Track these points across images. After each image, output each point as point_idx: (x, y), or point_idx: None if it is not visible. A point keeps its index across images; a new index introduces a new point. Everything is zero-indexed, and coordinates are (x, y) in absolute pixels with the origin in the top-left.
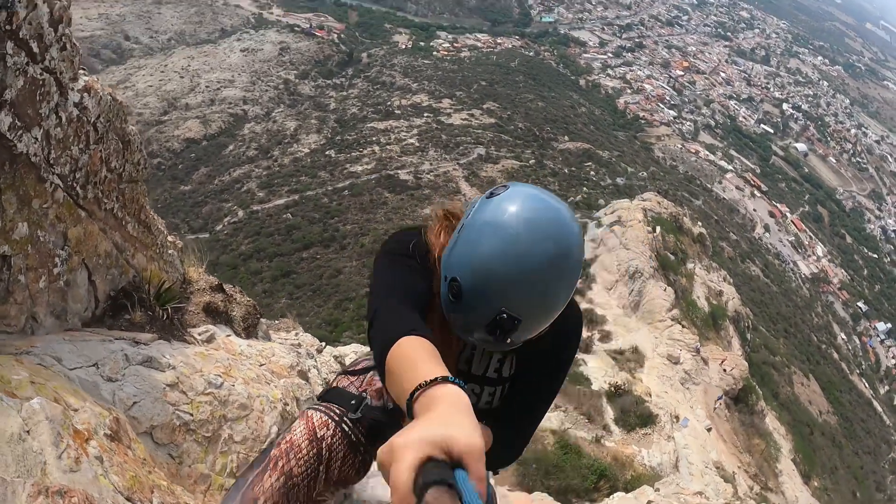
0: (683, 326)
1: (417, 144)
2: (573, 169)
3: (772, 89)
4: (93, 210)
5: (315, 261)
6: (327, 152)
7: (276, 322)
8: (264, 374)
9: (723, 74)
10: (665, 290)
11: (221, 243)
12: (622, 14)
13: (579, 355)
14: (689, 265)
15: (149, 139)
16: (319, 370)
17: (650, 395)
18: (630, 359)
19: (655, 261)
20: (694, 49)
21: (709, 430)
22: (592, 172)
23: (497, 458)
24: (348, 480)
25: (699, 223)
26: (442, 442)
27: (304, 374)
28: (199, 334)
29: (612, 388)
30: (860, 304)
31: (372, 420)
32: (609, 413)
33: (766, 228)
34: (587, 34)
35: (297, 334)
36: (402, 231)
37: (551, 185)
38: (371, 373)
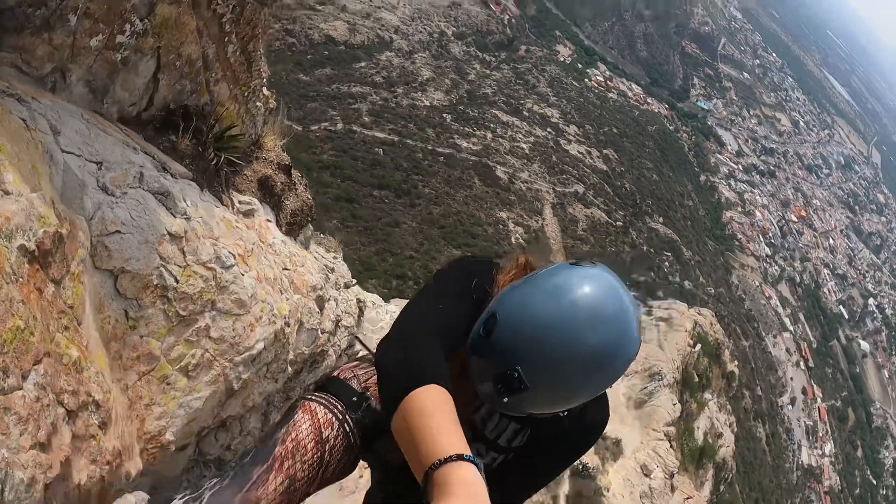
0: (671, 447)
1: (527, 152)
2: (651, 251)
3: (867, 279)
4: (199, 2)
5: (382, 204)
6: (444, 115)
7: (321, 235)
8: (282, 280)
9: (831, 241)
10: (675, 404)
11: (309, 143)
12: (771, 136)
13: None
14: (707, 395)
15: (296, 17)
16: (338, 305)
17: (608, 492)
18: (609, 448)
19: (680, 374)
20: (818, 203)
21: None
22: (667, 263)
23: None
24: (330, 482)
25: (736, 363)
26: None
27: (321, 301)
28: (240, 203)
29: (581, 466)
30: None
31: (369, 423)
32: (565, 487)
33: (793, 402)
34: (730, 137)
35: (335, 257)
36: (479, 260)
37: (624, 255)
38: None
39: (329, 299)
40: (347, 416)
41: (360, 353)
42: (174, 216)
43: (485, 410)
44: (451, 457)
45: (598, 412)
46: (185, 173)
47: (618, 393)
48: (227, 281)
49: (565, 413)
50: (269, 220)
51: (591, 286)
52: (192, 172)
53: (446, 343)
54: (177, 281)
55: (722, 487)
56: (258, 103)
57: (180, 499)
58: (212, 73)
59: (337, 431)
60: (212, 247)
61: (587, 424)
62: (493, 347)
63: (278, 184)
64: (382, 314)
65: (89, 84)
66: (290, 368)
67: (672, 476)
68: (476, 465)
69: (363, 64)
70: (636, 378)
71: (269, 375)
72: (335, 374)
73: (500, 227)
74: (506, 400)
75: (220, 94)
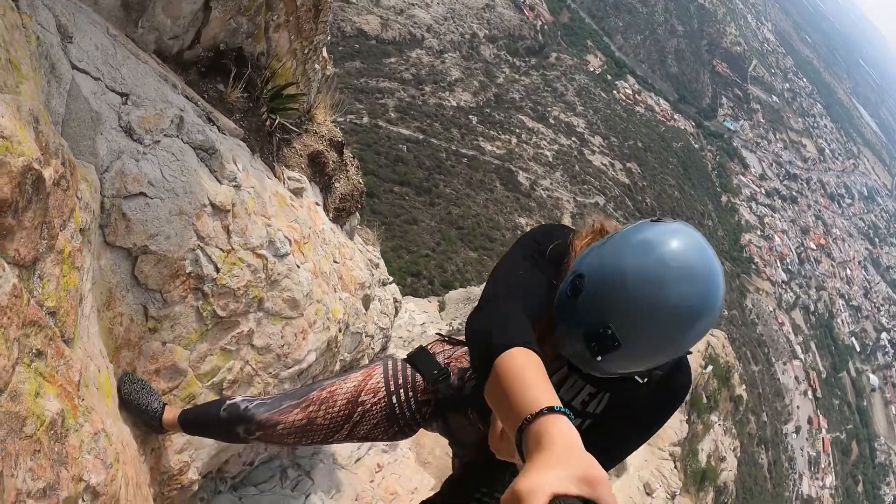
0: (676, 467)
1: (550, 160)
2: None
3: (882, 313)
4: None
5: (402, 200)
6: (470, 116)
7: (360, 227)
8: (333, 275)
9: (848, 272)
10: (682, 423)
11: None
12: (796, 162)
13: None
14: (713, 417)
15: (330, 6)
16: (380, 304)
17: None
18: None
19: (690, 394)
20: (838, 233)
21: None
22: None
23: None
24: (375, 440)
25: (745, 386)
26: (574, 478)
27: (367, 301)
28: (289, 178)
29: None
30: None
31: (442, 399)
32: None
33: (797, 430)
34: (755, 160)
35: (375, 252)
36: (551, 225)
37: None
38: (463, 349)
39: (374, 298)
40: (402, 391)
41: (462, 337)
42: (220, 182)
43: (560, 373)
44: (542, 410)
45: (681, 377)
46: (236, 130)
47: None
48: (279, 274)
49: (645, 379)
50: (317, 203)
51: (679, 241)
52: (244, 131)
53: (529, 307)
54: (217, 269)
55: None
56: (316, 65)
57: (240, 399)
58: (273, 15)
59: (379, 399)
60: (265, 227)
61: (670, 389)
62: (582, 307)
63: (330, 162)
64: (402, 312)
65: None
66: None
67: (674, 497)
68: (568, 415)
69: (393, 60)
70: None
71: None
72: (428, 346)
73: (518, 232)
74: (599, 359)
75: (280, 44)
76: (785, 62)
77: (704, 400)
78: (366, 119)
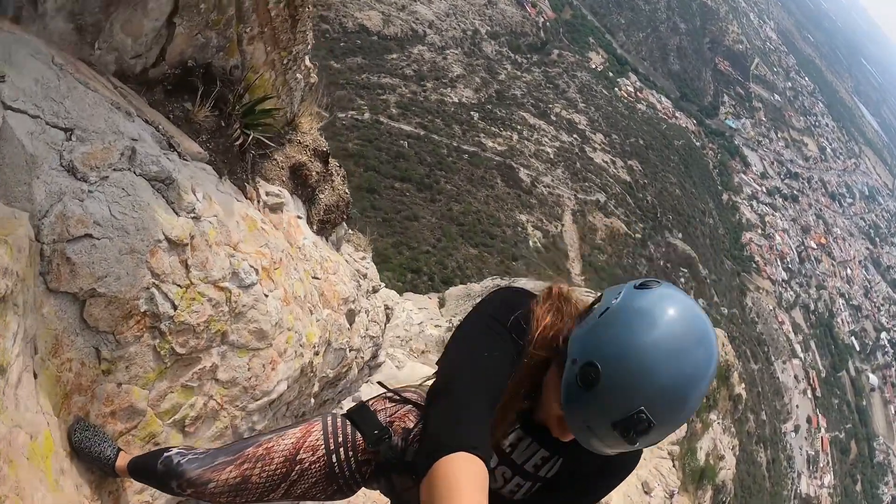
0: (674, 466)
1: (551, 156)
2: (668, 266)
3: (882, 313)
4: None
5: (402, 196)
6: (472, 112)
7: (350, 232)
8: (312, 294)
9: (849, 271)
10: None
11: (335, 131)
12: (797, 161)
13: None
14: (712, 416)
15: (331, 4)
16: (367, 315)
17: None
18: None
19: None
20: (839, 232)
21: None
22: (682, 280)
23: None
24: (313, 499)
25: (744, 385)
26: None
27: (351, 315)
28: (267, 194)
29: None
30: None
31: (384, 460)
32: None
33: (796, 429)
34: (756, 158)
35: (363, 258)
36: (508, 292)
37: (641, 268)
38: (408, 407)
39: (360, 311)
40: (341, 450)
41: (406, 394)
42: (177, 214)
43: (514, 436)
44: None
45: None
46: (200, 154)
47: None
48: (245, 305)
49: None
50: (299, 217)
51: (676, 307)
52: (210, 153)
53: (494, 394)
54: (175, 307)
55: None
56: (298, 75)
57: (177, 451)
58: (246, 28)
59: (318, 458)
60: (227, 258)
61: (623, 459)
62: (603, 394)
63: (313, 173)
64: (399, 311)
65: (74, 18)
66: (312, 401)
67: (672, 496)
68: None
69: (395, 56)
70: None
71: (289, 414)
72: (369, 402)
73: (519, 229)
74: (638, 444)
75: (255, 56)
76: (787, 61)
77: (704, 399)
78: (367, 115)
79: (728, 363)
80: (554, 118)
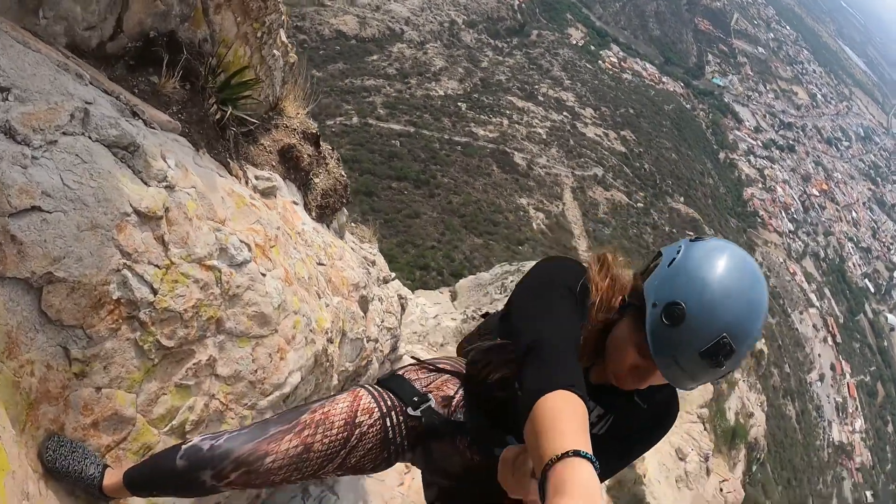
0: (705, 428)
1: (544, 137)
2: (674, 231)
3: (892, 252)
4: None
5: (400, 195)
6: (459, 103)
7: (353, 224)
8: (319, 278)
9: (854, 214)
10: (706, 385)
11: (325, 138)
12: (789, 111)
13: None
14: (736, 375)
15: (305, 14)
16: (381, 304)
17: (645, 477)
18: None
19: None
20: (839, 176)
21: None
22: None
23: None
24: (361, 470)
25: (764, 340)
26: None
27: (364, 303)
28: (257, 178)
29: None
30: (868, 493)
31: (428, 426)
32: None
33: (821, 378)
34: (747, 113)
35: (372, 249)
36: (566, 261)
37: (647, 236)
38: (445, 376)
39: (373, 299)
40: (393, 414)
41: (441, 365)
42: (146, 183)
43: None
44: (567, 452)
45: (676, 404)
46: (170, 123)
47: None
48: (239, 286)
49: (646, 405)
50: (295, 203)
51: (730, 251)
52: (183, 124)
53: (576, 348)
54: (154, 292)
55: (755, 467)
56: (275, 51)
57: (200, 438)
58: None
59: (374, 421)
60: (212, 233)
61: (670, 414)
62: (689, 328)
63: (305, 156)
64: (413, 307)
65: None
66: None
67: (707, 459)
68: (593, 463)
69: (375, 57)
70: None
71: None
72: (400, 372)
73: (521, 213)
74: (724, 367)
75: (225, 27)
76: (766, 12)
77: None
78: (355, 119)
79: None
80: (542, 98)
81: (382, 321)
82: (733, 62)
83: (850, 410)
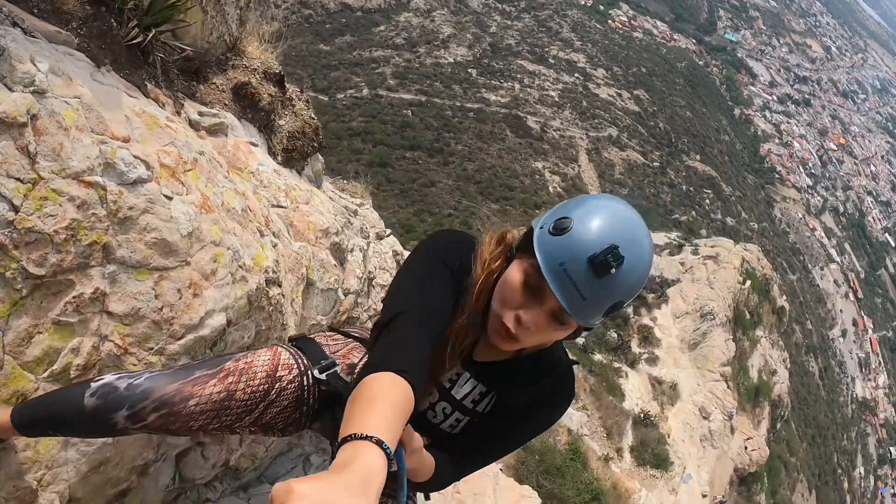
0: (728, 387)
1: (556, 100)
2: (691, 189)
3: None
4: None
5: (415, 164)
6: (469, 70)
7: (341, 179)
8: (273, 218)
9: (872, 168)
10: (727, 342)
11: (337, 112)
12: (804, 65)
13: (623, 367)
14: (759, 332)
15: None
16: (367, 259)
17: (669, 437)
18: (666, 392)
19: (732, 312)
20: (856, 130)
21: (704, 496)
22: (707, 201)
23: (429, 484)
24: (271, 430)
25: (785, 297)
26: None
27: (339, 251)
28: (200, 114)
29: (643, 415)
30: (893, 448)
31: (332, 390)
32: (629, 438)
33: (843, 334)
34: (762, 68)
35: (361, 204)
36: (450, 236)
37: (664, 195)
38: (353, 343)
39: (352, 249)
40: (309, 372)
41: (352, 332)
42: (8, 88)
43: (453, 372)
44: (363, 435)
45: (568, 382)
46: (59, 34)
47: (671, 335)
48: (132, 208)
49: (536, 384)
50: (253, 144)
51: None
52: (82, 39)
53: (436, 330)
54: (15, 209)
55: (779, 425)
56: None
57: (114, 376)
58: None
59: (293, 377)
60: (96, 146)
61: (553, 391)
62: (577, 235)
63: (264, 95)
64: None
65: None
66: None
67: (731, 417)
68: (387, 454)
69: (382, 28)
70: (688, 319)
71: None
72: (311, 336)
73: (537, 177)
74: (613, 271)
75: None
76: None
77: (748, 316)
78: (365, 91)
79: (766, 277)
80: (552, 61)
81: (373, 277)
82: (745, 16)
83: (874, 366)
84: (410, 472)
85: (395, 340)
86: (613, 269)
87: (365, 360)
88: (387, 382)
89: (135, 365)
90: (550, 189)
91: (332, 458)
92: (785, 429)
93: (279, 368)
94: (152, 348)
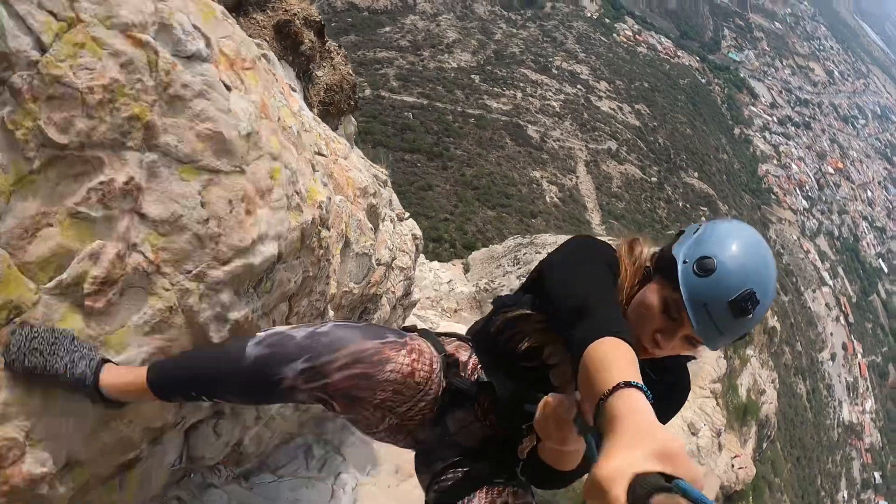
0: (718, 404)
1: (558, 110)
2: (687, 206)
3: None
4: None
5: (413, 168)
6: (472, 76)
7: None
8: (314, 145)
9: (869, 193)
10: (719, 360)
11: None
12: (805, 87)
13: None
14: (749, 351)
15: None
16: (394, 232)
17: None
18: None
19: None
20: (855, 155)
21: None
22: (703, 218)
23: (568, 476)
24: (404, 430)
25: (776, 317)
26: (652, 455)
27: (374, 215)
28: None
29: None
30: (877, 473)
31: (454, 388)
32: None
33: (833, 358)
34: (763, 89)
35: (386, 182)
36: (597, 239)
37: (660, 210)
38: (457, 342)
39: (384, 218)
40: (443, 371)
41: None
42: None
43: None
44: (617, 385)
45: (686, 379)
46: None
47: None
48: (185, 85)
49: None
50: (293, 89)
51: (750, 227)
52: None
53: (619, 309)
54: (42, 48)
55: (765, 445)
56: None
57: (289, 327)
58: None
59: (439, 372)
60: (152, 2)
61: (676, 389)
62: (720, 279)
63: (305, 39)
64: (426, 272)
65: None
66: (330, 313)
67: (719, 434)
68: (643, 391)
69: (388, 29)
70: None
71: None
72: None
73: (534, 186)
74: (748, 319)
75: None
76: None
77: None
78: (368, 91)
79: None
80: (555, 71)
81: (394, 258)
82: (749, 37)
83: (861, 390)
84: (557, 462)
85: (597, 318)
86: (750, 315)
87: (474, 357)
88: (610, 343)
89: (165, 291)
90: (547, 199)
91: (420, 470)
92: (770, 449)
93: (434, 360)
94: (190, 271)
